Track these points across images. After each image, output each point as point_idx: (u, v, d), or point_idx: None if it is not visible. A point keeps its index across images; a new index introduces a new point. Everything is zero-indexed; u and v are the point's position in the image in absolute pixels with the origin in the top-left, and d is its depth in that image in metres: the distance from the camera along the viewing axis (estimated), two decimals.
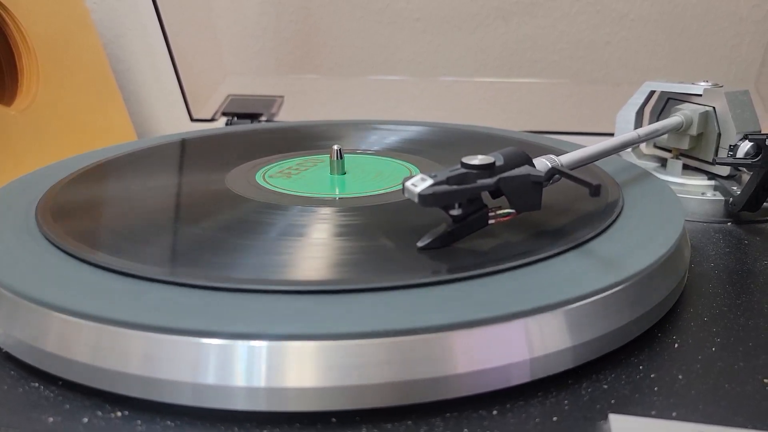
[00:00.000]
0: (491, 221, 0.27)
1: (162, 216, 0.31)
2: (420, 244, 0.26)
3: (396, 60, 0.67)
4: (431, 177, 0.25)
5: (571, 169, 0.30)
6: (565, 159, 0.30)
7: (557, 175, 0.28)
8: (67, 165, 0.39)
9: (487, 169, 0.25)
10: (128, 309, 0.21)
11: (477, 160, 0.26)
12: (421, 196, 0.24)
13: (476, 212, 0.26)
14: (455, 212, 0.26)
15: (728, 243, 0.35)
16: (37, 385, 0.22)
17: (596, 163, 0.35)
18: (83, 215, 0.31)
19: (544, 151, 0.32)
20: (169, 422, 0.20)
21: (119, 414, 0.20)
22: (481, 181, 0.25)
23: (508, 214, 0.27)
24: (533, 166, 0.27)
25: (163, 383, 0.20)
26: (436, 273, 0.24)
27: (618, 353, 0.24)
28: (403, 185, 0.25)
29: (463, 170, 0.25)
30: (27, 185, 0.35)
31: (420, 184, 0.24)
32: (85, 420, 0.20)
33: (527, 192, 0.26)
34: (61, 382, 0.22)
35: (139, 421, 0.20)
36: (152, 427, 0.20)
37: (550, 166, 0.28)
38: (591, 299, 0.23)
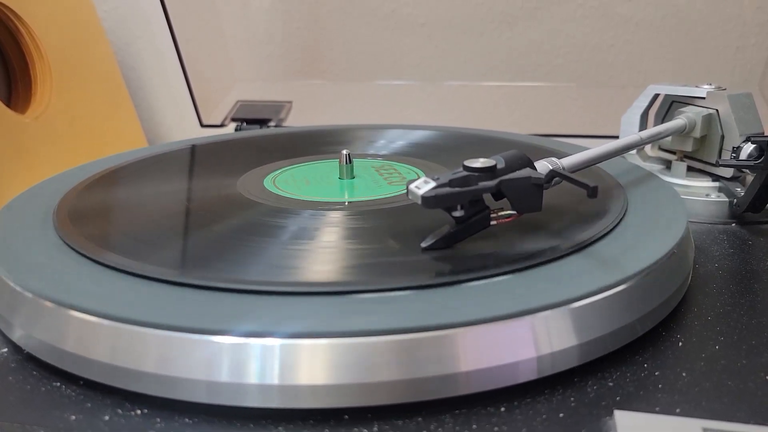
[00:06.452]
0: (493, 222, 0.27)
1: (176, 219, 0.32)
2: (424, 244, 0.26)
3: (402, 65, 0.67)
4: (434, 180, 0.25)
5: (573, 172, 0.30)
6: (567, 162, 0.31)
7: (557, 178, 0.28)
8: (83, 171, 0.39)
9: (489, 172, 0.26)
10: (145, 309, 0.22)
11: (479, 162, 0.26)
12: (424, 198, 0.25)
13: (478, 214, 0.27)
14: (458, 214, 0.26)
15: (732, 244, 0.35)
16: (58, 384, 0.23)
17: (602, 165, 0.36)
18: (100, 219, 0.32)
19: (549, 154, 0.33)
20: (187, 420, 0.21)
21: (139, 412, 0.21)
22: (482, 184, 0.26)
23: (510, 215, 0.27)
24: (534, 168, 0.28)
25: (179, 381, 0.21)
26: (448, 274, 0.24)
27: (623, 351, 0.24)
28: (407, 188, 0.26)
29: (465, 173, 0.26)
30: (44, 191, 0.36)
31: (423, 186, 0.25)
32: (106, 418, 0.21)
33: (528, 194, 0.26)
34: (82, 381, 0.22)
35: (158, 419, 0.21)
36: (171, 425, 0.20)
37: (550, 168, 0.29)
38: (597, 298, 0.23)
